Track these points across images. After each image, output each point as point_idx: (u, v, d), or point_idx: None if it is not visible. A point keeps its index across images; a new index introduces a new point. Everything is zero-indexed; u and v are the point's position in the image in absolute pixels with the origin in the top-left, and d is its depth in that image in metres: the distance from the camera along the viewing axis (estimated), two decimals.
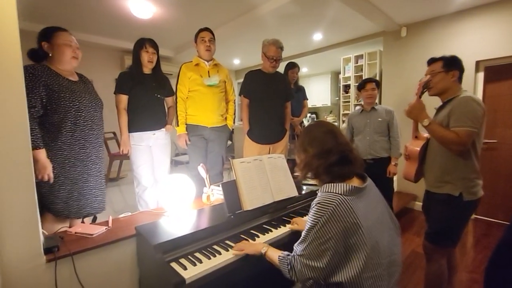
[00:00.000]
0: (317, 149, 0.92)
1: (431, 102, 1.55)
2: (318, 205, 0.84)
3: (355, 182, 0.91)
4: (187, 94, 2.20)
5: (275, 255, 0.98)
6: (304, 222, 1.34)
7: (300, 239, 0.89)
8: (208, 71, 2.22)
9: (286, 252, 0.96)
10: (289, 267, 0.90)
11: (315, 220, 0.83)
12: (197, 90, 2.18)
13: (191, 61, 2.25)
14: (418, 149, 1.48)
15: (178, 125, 2.21)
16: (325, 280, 0.85)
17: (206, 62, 2.23)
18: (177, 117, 2.21)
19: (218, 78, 2.24)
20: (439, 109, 1.48)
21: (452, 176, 1.36)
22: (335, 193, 0.84)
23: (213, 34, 2.24)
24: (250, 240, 1.19)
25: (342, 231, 0.79)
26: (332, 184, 0.87)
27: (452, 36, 2.96)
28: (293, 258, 0.90)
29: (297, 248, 0.89)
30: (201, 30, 2.22)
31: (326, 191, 0.87)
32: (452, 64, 1.39)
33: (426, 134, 1.51)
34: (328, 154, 0.90)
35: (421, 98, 1.44)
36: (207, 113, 2.22)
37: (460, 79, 1.41)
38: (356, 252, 0.80)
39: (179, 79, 2.20)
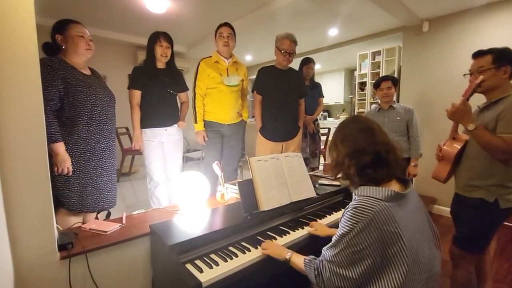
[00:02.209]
0: (349, 148, 0.84)
1: (475, 101, 1.38)
2: (355, 209, 0.76)
3: (395, 187, 0.82)
4: (205, 91, 2.17)
5: (300, 260, 0.92)
6: (324, 227, 1.28)
7: (331, 243, 0.82)
8: (227, 69, 2.17)
9: (312, 256, 0.90)
10: (316, 272, 0.83)
11: (351, 226, 0.75)
12: (215, 88, 2.15)
13: (210, 57, 2.20)
14: (455, 152, 1.36)
15: (196, 122, 2.18)
16: None
17: (225, 60, 2.18)
18: (195, 113, 2.17)
19: (238, 78, 2.20)
20: (484, 109, 1.35)
21: (487, 182, 1.25)
22: (375, 198, 0.76)
23: (233, 30, 2.17)
24: (275, 240, 1.14)
25: (380, 241, 0.72)
26: (371, 187, 0.79)
27: (479, 30, 2.79)
28: (321, 263, 0.83)
29: (327, 252, 0.82)
30: (220, 25, 2.16)
31: (364, 194, 0.78)
32: (504, 59, 1.24)
33: (465, 136, 1.39)
34: (361, 154, 0.81)
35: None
36: (225, 111, 2.19)
37: (511, 75, 1.26)
38: (395, 264, 0.72)
39: (197, 75, 2.16)
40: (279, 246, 1.07)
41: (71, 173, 1.36)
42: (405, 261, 0.72)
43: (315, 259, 0.88)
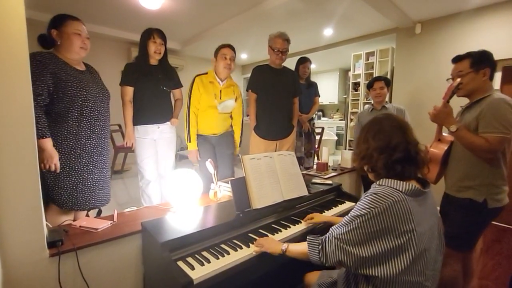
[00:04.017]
0: (381, 143, 0.85)
1: (457, 102, 1.44)
2: (374, 195, 0.78)
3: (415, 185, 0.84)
4: (197, 113, 2.14)
5: (298, 246, 0.96)
6: (319, 215, 1.32)
7: (341, 222, 0.84)
8: (221, 91, 2.12)
9: (314, 236, 0.93)
10: (320, 247, 0.86)
11: (366, 210, 0.77)
12: (204, 111, 2.11)
13: (206, 74, 2.13)
14: (441, 153, 1.39)
15: (190, 141, 2.13)
16: (356, 269, 0.80)
17: (220, 82, 2.12)
18: (188, 131, 2.12)
19: (232, 104, 2.16)
20: (465, 109, 1.39)
21: (476, 182, 1.29)
22: (396, 189, 0.79)
23: (235, 52, 2.12)
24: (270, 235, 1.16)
25: (392, 228, 0.75)
26: (393, 180, 0.81)
27: (469, 33, 2.85)
28: (327, 238, 0.86)
29: (335, 230, 0.85)
30: (223, 46, 2.09)
31: (386, 184, 0.81)
32: (482, 61, 1.28)
33: (450, 137, 1.43)
34: (393, 150, 0.83)
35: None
36: (213, 129, 2.18)
37: (491, 76, 1.31)
38: (402, 252, 0.75)
39: (192, 92, 2.09)
40: (273, 240, 1.10)
41: (58, 170, 1.34)
42: (412, 251, 0.75)
43: (319, 236, 0.90)
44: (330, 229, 0.88)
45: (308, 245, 0.91)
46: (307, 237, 0.93)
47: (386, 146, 0.84)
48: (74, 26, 1.42)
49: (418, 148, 0.86)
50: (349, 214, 0.83)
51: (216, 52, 2.11)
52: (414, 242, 0.75)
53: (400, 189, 0.78)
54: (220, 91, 2.12)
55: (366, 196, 0.81)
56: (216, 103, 2.09)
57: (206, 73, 2.13)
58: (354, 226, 0.79)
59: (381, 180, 0.84)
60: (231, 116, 2.29)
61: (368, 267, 0.78)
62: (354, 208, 0.83)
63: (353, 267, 0.80)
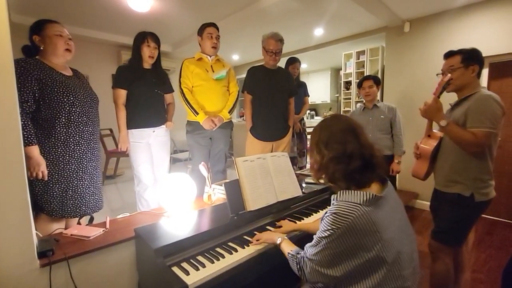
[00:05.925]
0: (336, 152, 0.81)
1: (447, 99, 1.47)
2: (334, 215, 0.76)
3: (374, 189, 0.82)
4: (191, 88, 2.14)
5: (286, 249, 0.97)
6: (289, 225, 1.29)
7: (313, 242, 0.84)
8: (211, 66, 2.15)
9: (295, 249, 0.93)
10: (298, 266, 0.87)
11: (330, 231, 0.76)
12: (201, 85, 2.11)
13: (193, 57, 2.18)
14: (431, 149, 1.41)
15: (197, 114, 2.08)
16: (335, 286, 0.81)
17: (209, 57, 2.16)
18: (191, 107, 2.09)
19: (225, 70, 2.19)
20: (454, 106, 1.42)
21: (463, 176, 1.31)
22: (354, 203, 0.76)
23: (219, 31, 2.17)
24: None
25: (360, 244, 0.73)
26: (350, 191, 0.79)
27: (456, 31, 2.91)
28: (302, 260, 0.86)
29: (308, 250, 0.85)
30: (208, 25, 2.12)
31: (344, 200, 0.78)
32: (472, 58, 1.31)
33: (439, 133, 1.45)
34: (349, 159, 0.79)
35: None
36: (212, 108, 2.15)
37: (479, 74, 1.34)
38: (375, 265, 0.75)
39: (182, 72, 2.13)
40: (271, 232, 1.14)
41: (46, 178, 1.31)
42: (385, 261, 0.74)
43: (298, 253, 0.91)
44: (305, 247, 0.87)
45: (289, 262, 0.92)
46: (288, 253, 0.94)
47: (341, 154, 0.81)
48: (54, 28, 1.40)
49: (374, 150, 0.83)
50: (317, 233, 0.82)
51: (200, 31, 2.14)
52: (384, 252, 0.74)
53: (359, 202, 0.76)
54: (211, 66, 2.15)
55: (327, 216, 0.79)
56: (210, 75, 2.11)
57: (193, 57, 2.18)
58: (321, 247, 0.78)
59: (339, 193, 0.81)
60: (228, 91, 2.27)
61: (345, 285, 0.78)
62: (320, 228, 0.81)
63: (331, 285, 0.81)
